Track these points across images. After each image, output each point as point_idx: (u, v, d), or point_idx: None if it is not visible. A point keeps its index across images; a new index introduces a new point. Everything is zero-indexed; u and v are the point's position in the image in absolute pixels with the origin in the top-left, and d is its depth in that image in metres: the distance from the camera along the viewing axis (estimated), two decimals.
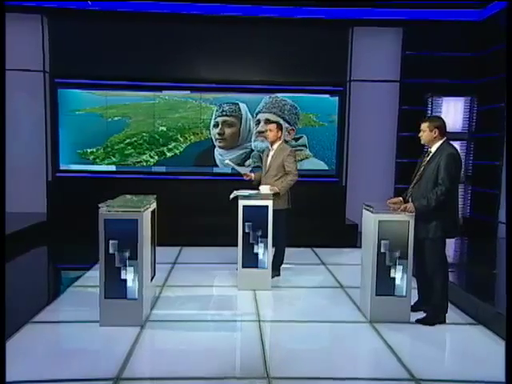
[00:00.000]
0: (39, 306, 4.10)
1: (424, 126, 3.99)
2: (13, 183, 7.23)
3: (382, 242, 3.89)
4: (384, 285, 3.94)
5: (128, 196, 4.32)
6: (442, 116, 7.33)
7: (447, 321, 3.95)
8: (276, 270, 5.17)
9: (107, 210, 3.71)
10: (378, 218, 3.91)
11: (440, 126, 3.95)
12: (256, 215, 4.66)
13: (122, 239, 3.71)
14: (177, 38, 7.45)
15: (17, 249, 5.89)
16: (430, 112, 7.43)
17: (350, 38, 7.66)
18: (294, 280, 5.12)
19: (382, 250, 3.91)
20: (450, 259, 6.09)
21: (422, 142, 4.05)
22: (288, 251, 5.90)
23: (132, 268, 3.73)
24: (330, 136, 7.82)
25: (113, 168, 7.65)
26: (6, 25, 6.54)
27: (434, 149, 3.96)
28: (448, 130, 7.17)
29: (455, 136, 7.47)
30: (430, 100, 7.46)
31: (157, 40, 7.44)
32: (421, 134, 4.03)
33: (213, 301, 4.44)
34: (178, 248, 6.42)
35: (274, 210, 4.72)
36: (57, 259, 6.40)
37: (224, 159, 7.52)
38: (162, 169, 7.74)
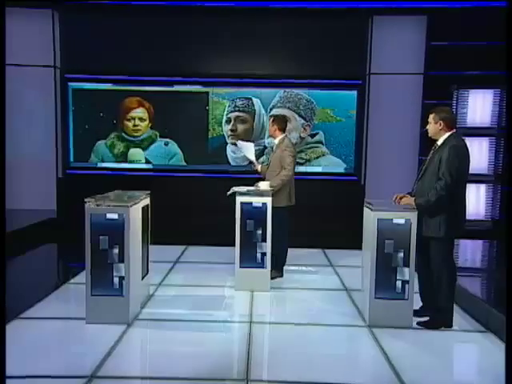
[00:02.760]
0: (31, 302, 4.20)
1: (430, 117, 3.90)
2: (23, 180, 7.46)
3: (379, 241, 3.80)
4: (384, 287, 3.85)
5: (120, 191, 4.37)
6: (469, 110, 7.17)
7: (455, 327, 3.83)
8: (278, 270, 5.13)
9: (93, 204, 3.77)
10: (377, 216, 3.82)
11: (446, 117, 3.83)
12: (255, 212, 4.64)
13: (109, 235, 3.76)
14: (188, 31, 7.50)
15: (23, 245, 6.05)
16: (455, 106, 7.21)
17: (369, 28, 7.52)
18: (296, 281, 5.07)
19: (381, 250, 3.82)
20: (473, 263, 5.99)
21: (429, 134, 3.94)
22: (297, 252, 5.89)
23: (119, 264, 3.77)
24: (348, 132, 7.70)
25: (123, 165, 7.76)
26: (12, 20, 6.82)
27: (440, 142, 3.86)
28: (475, 124, 7.21)
29: (483, 131, 7.26)
30: (455, 93, 7.23)
31: (168, 34, 7.50)
32: (428, 126, 3.93)
33: (207, 301, 4.43)
34: (183, 247, 6.46)
35: (273, 207, 4.69)
36: (61, 256, 6.56)
37: (237, 156, 7.56)
38: (174, 166, 7.79)
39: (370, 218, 3.88)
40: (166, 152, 7.76)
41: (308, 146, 7.75)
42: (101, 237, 3.76)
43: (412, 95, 7.55)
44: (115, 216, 3.76)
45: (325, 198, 7.55)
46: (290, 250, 5.56)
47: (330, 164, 7.77)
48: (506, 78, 4.05)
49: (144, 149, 7.79)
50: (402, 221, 3.79)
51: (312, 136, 7.74)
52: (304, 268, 5.62)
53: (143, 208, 4.20)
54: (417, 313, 3.99)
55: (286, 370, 3.14)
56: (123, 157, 7.78)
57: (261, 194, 4.65)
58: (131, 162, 7.78)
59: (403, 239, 3.81)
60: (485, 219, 7.31)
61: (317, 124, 7.71)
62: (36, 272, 5.49)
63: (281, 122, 5.04)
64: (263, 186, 4.71)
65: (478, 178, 7.17)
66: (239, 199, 4.65)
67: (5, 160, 5.99)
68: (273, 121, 5.05)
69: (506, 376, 2.36)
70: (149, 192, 4.41)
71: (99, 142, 7.75)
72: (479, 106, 7.22)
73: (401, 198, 3.93)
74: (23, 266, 5.63)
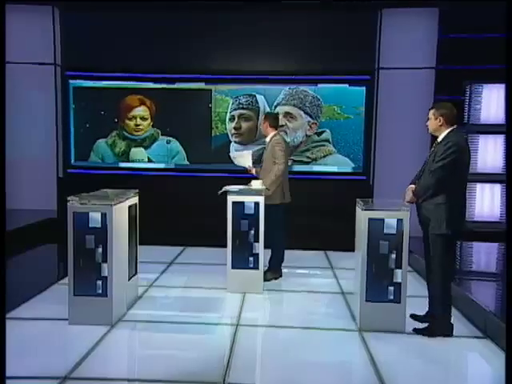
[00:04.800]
0: (18, 303, 4.28)
1: (430, 113, 3.91)
2: (23, 180, 7.60)
3: (370, 242, 3.78)
4: (375, 290, 3.82)
5: (108, 190, 4.43)
6: (483, 106, 7.06)
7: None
8: (275, 271, 5.14)
9: (77, 203, 3.84)
10: (368, 216, 3.79)
11: (446, 113, 3.80)
12: (246, 212, 4.65)
13: (92, 233, 3.81)
14: (190, 27, 7.54)
15: (20, 246, 6.17)
16: (467, 102, 7.10)
17: (378, 20, 7.45)
18: (292, 284, 5.07)
19: (372, 251, 3.79)
20: (480, 266, 5.89)
21: (429, 130, 3.94)
22: (298, 254, 5.87)
23: (102, 264, 3.82)
24: (356, 130, 7.63)
25: (124, 164, 7.84)
26: (14, 18, 6.98)
27: (440, 138, 3.83)
28: (489, 121, 7.08)
29: (498, 128, 7.11)
30: (468, 88, 7.11)
31: (170, 30, 7.55)
32: (428, 122, 3.92)
33: (196, 303, 4.47)
34: (182, 247, 6.51)
35: (267, 206, 4.70)
36: (59, 256, 6.65)
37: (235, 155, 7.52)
38: (176, 165, 7.84)
39: (361, 218, 3.85)
40: (168, 151, 7.81)
41: (314, 144, 7.71)
42: (83, 235, 3.81)
43: (423, 90, 7.44)
44: (98, 215, 3.81)
45: (332, 198, 7.48)
46: (290, 251, 5.58)
47: (337, 163, 7.71)
48: (506, 75, 4.01)
49: (146, 148, 7.85)
50: (393, 220, 3.76)
51: (318, 134, 7.70)
52: (303, 270, 5.61)
53: (130, 207, 4.24)
54: (421, 319, 3.96)
55: (265, 375, 3.15)
56: (124, 156, 7.85)
57: (253, 193, 4.66)
58: (133, 161, 7.85)
59: (395, 240, 3.77)
60: (500, 221, 7.16)
61: (323, 122, 7.67)
62: (30, 272, 5.60)
63: (272, 119, 5.09)
64: (255, 185, 4.72)
65: (493, 178, 7.04)
66: (231, 199, 4.67)
67: (5, 160, 6.14)
68: (264, 118, 5.11)
69: (506, 378, 2.38)
70: (137, 191, 4.45)
71: (100, 140, 7.83)
72: (494, 102, 7.08)
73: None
74: (19, 266, 5.74)
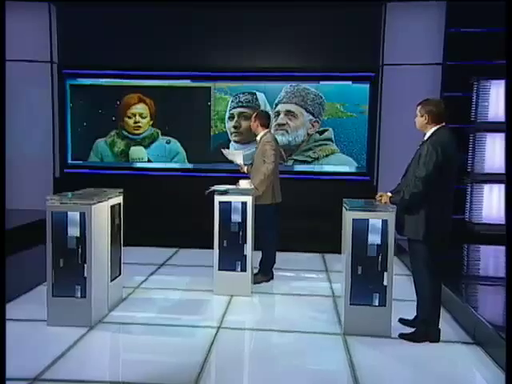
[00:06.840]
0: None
1: (417, 110, 3.91)
2: (20, 179, 7.73)
3: (355, 243, 3.77)
4: (360, 293, 3.82)
5: (92, 189, 4.49)
6: (491, 103, 6.97)
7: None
8: (266, 273, 5.16)
9: (55, 202, 3.90)
10: (353, 217, 3.79)
11: (431, 111, 3.82)
12: (234, 212, 4.67)
13: (71, 234, 3.87)
14: (189, 23, 7.60)
15: (15, 245, 6.26)
16: (475, 98, 7.02)
17: (382, 15, 7.41)
18: (283, 287, 5.08)
19: (357, 253, 3.78)
20: (479, 270, 5.82)
21: (417, 127, 3.95)
22: (294, 257, 5.87)
23: (81, 265, 3.88)
24: (359, 128, 7.60)
25: (121, 164, 7.92)
26: (10, 15, 7.10)
27: (426, 137, 3.83)
28: (497, 119, 6.98)
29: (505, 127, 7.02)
30: (475, 84, 7.03)
31: (169, 26, 7.61)
32: (415, 119, 3.92)
33: (181, 305, 4.52)
34: (175, 249, 6.56)
35: (257, 206, 4.72)
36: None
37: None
38: (176, 165, 7.90)
39: (346, 219, 3.85)
40: (168, 151, 7.87)
41: (316, 143, 7.70)
42: (63, 236, 3.88)
43: (429, 87, 7.37)
44: (77, 215, 3.87)
45: (333, 199, 7.42)
46: (287, 253, 5.60)
47: (340, 163, 7.69)
48: (506, 73, 3.97)
49: (145, 147, 7.93)
50: (378, 221, 3.74)
51: (321, 133, 7.69)
52: (297, 273, 5.60)
53: (113, 207, 4.29)
54: (409, 323, 3.94)
55: (239, 379, 3.17)
56: (123, 155, 7.93)
57: (241, 192, 4.68)
58: (133, 160, 7.93)
59: (381, 241, 3.76)
60: None
61: (326, 120, 7.66)
62: (20, 272, 5.69)
63: (263, 118, 5.10)
64: (243, 184, 4.75)
65: (501, 178, 6.93)
66: (218, 199, 4.69)
67: (4, 160, 6.25)
68: (255, 116, 5.12)
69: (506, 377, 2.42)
70: (121, 190, 4.50)
71: (99, 139, 7.93)
72: (502, 99, 6.98)
73: (381, 196, 3.92)
74: (10, 266, 5.78)
